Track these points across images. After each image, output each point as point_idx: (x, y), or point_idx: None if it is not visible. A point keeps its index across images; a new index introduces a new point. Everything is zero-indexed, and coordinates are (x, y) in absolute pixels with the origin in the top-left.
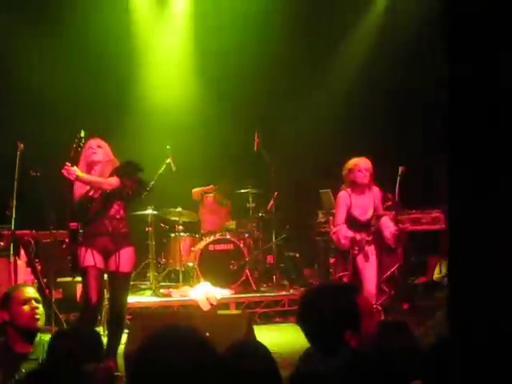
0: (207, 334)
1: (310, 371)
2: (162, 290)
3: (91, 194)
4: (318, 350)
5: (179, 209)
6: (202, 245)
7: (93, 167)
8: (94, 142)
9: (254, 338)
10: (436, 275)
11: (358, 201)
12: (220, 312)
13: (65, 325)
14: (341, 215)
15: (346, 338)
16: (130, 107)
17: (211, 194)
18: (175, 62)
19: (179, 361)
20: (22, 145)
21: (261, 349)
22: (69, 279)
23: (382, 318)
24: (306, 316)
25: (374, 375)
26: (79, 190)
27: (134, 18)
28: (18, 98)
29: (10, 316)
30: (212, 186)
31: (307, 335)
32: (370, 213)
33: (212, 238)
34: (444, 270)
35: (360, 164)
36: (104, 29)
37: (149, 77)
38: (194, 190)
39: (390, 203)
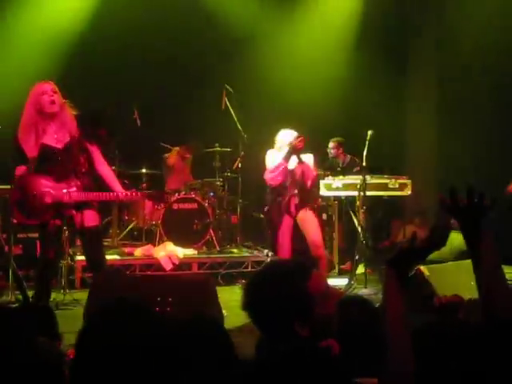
0: (170, 300)
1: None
2: (124, 249)
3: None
4: (268, 339)
5: (143, 170)
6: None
7: (52, 119)
8: (49, 87)
9: (217, 301)
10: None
11: None
12: (182, 274)
13: (23, 282)
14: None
15: (295, 329)
16: None
17: (175, 151)
18: None
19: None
20: None
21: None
22: (30, 235)
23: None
24: (250, 305)
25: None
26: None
27: None
28: None
29: None
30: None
31: (254, 323)
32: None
33: (176, 196)
34: (407, 235)
35: None
36: None
37: None
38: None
39: (358, 168)
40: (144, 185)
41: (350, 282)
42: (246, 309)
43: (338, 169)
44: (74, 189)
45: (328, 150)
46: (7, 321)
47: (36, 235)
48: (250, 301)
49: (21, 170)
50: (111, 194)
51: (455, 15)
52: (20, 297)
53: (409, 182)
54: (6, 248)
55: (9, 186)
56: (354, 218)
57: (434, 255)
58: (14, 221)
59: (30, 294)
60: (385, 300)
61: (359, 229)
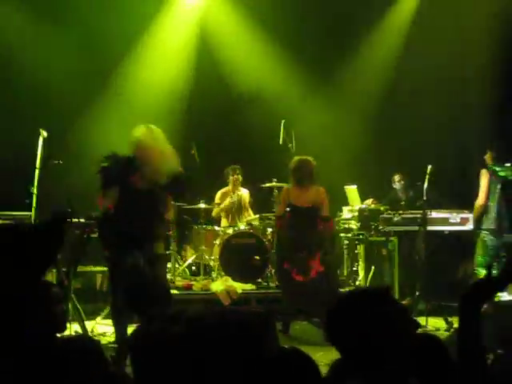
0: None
1: None
2: (182, 283)
3: None
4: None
5: (202, 204)
6: (224, 238)
7: None
8: None
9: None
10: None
11: None
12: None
13: (83, 316)
14: None
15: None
16: None
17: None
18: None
19: None
20: (44, 132)
21: None
22: (89, 268)
23: None
24: (335, 337)
25: None
26: None
27: None
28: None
29: None
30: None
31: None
32: None
33: (234, 230)
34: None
35: None
36: None
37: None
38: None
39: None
40: (201, 220)
41: None
42: (327, 331)
43: (402, 202)
44: None
45: (393, 183)
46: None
47: (96, 269)
48: (333, 324)
49: None
50: None
51: None
52: (80, 330)
53: (470, 216)
54: (66, 281)
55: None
56: (414, 253)
57: None
58: None
59: (90, 327)
60: (462, 337)
61: (420, 264)
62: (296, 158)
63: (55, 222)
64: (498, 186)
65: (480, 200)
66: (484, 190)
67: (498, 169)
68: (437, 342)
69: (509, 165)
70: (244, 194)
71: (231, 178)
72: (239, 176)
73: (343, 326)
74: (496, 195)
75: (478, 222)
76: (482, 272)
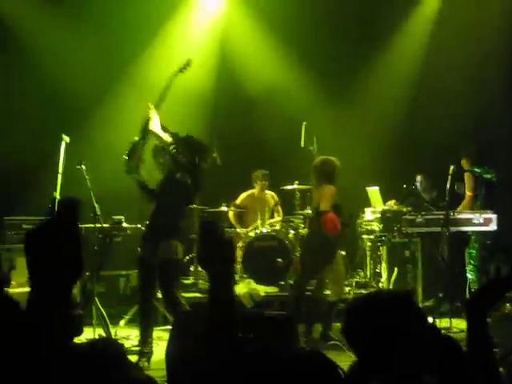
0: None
1: None
2: (205, 286)
3: None
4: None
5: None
6: (246, 241)
7: None
8: None
9: (298, 339)
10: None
11: None
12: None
13: (107, 319)
14: None
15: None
16: None
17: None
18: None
19: None
20: (67, 137)
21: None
22: (112, 273)
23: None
24: (350, 330)
25: None
26: None
27: None
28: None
29: None
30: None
31: (352, 348)
32: None
33: (257, 233)
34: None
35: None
36: None
37: None
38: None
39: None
40: (224, 223)
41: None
42: (344, 333)
43: (426, 204)
44: None
45: (416, 184)
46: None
47: (119, 272)
48: (351, 326)
49: None
50: None
51: None
52: (104, 334)
53: (494, 216)
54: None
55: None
56: (437, 254)
57: None
58: None
59: (113, 331)
60: (471, 345)
61: (443, 265)
62: (317, 157)
63: (63, 212)
64: (483, 187)
65: (468, 201)
66: (471, 191)
67: (478, 170)
68: (454, 344)
69: (488, 167)
70: (271, 196)
71: (260, 183)
72: (267, 182)
73: (359, 329)
74: (482, 196)
75: None
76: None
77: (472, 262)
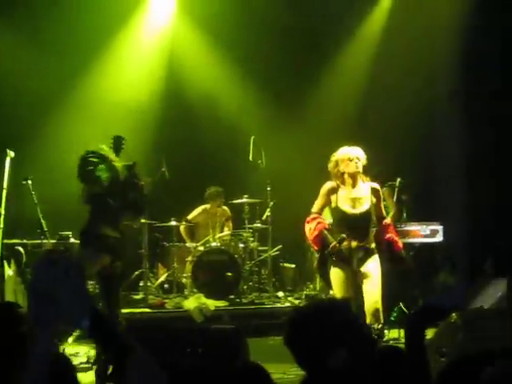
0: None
1: None
2: (154, 301)
3: None
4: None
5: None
6: (195, 255)
7: None
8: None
9: (247, 353)
10: None
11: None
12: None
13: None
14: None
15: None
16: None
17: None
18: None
19: None
20: (12, 152)
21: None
22: None
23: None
24: (293, 340)
25: None
26: None
27: None
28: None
29: None
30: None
31: (296, 360)
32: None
33: (206, 247)
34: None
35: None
36: None
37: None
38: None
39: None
40: (174, 238)
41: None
42: (288, 344)
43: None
44: None
45: None
46: None
47: None
48: (294, 336)
49: None
50: None
51: None
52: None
53: (440, 228)
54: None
55: None
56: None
57: None
58: None
59: (61, 348)
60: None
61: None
62: None
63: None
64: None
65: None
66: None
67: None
68: (398, 353)
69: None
70: (223, 210)
71: (214, 202)
72: (222, 200)
73: (298, 340)
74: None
75: None
76: None
77: None
